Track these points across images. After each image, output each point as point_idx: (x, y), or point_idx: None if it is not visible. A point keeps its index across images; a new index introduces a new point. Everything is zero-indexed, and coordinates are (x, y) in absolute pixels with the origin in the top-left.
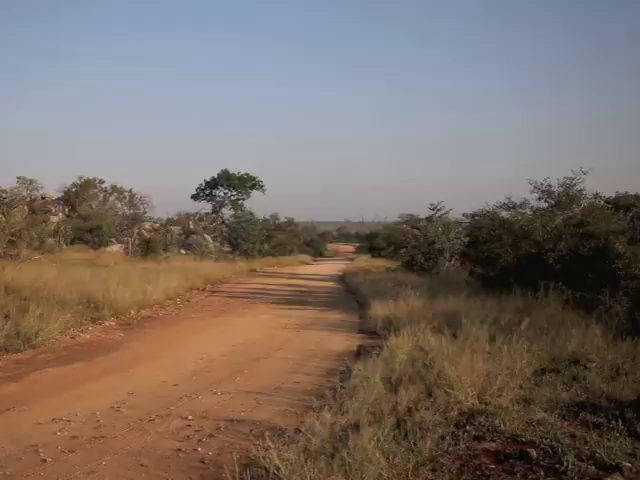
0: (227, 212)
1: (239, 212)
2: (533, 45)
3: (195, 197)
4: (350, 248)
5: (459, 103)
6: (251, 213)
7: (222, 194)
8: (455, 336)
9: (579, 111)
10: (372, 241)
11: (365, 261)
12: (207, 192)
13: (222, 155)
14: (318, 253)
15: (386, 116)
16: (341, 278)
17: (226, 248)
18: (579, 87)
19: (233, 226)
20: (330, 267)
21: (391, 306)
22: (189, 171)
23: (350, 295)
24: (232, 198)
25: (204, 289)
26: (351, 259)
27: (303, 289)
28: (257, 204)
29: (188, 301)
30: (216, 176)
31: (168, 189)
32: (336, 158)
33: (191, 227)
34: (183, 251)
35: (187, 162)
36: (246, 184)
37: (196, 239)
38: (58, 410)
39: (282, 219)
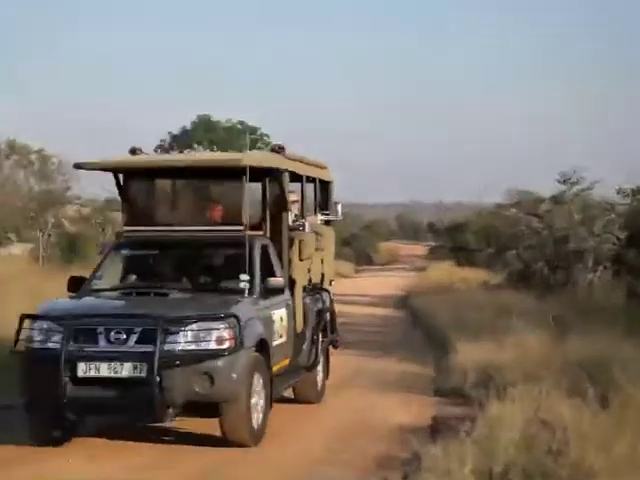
0: None
1: None
2: None
3: None
4: (419, 249)
5: None
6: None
7: None
8: (605, 403)
9: None
10: (457, 237)
11: (445, 271)
12: (173, 152)
13: (201, 94)
14: (364, 258)
15: None
16: (404, 301)
17: None
18: None
19: None
20: (385, 282)
21: (490, 349)
22: (143, 119)
23: (419, 329)
24: None
25: None
26: (421, 268)
27: (342, 319)
28: None
29: None
30: (189, 126)
31: (105, 149)
32: (392, 101)
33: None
34: None
35: (138, 103)
36: (240, 139)
37: None
38: None
39: None
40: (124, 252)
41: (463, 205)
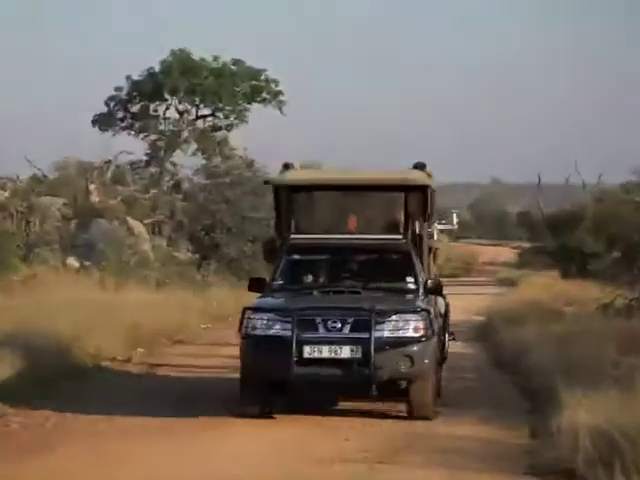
0: (187, 161)
1: (216, 162)
2: None
3: (103, 122)
4: (505, 252)
5: None
6: (249, 163)
7: (175, 113)
8: None
9: None
10: (563, 235)
11: (546, 286)
12: (135, 107)
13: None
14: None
15: None
16: (483, 331)
17: (183, 252)
18: None
19: (203, 196)
20: (455, 303)
21: (616, 405)
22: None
23: (506, 374)
24: (198, 125)
25: (126, 359)
26: (508, 281)
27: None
28: (264, 143)
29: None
30: (158, 67)
31: (32, 105)
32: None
33: (94, 199)
34: (73, 259)
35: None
36: (236, 86)
37: (106, 230)
38: None
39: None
40: (295, 257)
41: (567, 188)
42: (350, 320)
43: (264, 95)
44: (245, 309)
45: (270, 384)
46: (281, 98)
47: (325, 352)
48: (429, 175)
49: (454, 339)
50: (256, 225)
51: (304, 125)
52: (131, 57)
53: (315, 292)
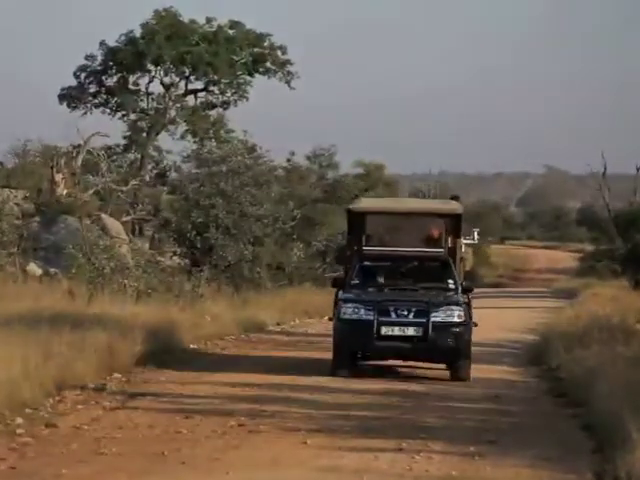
0: (174, 145)
1: (210, 147)
2: None
3: (72, 98)
4: (563, 258)
5: None
6: (250, 149)
7: (160, 88)
8: None
9: None
10: (632, 238)
11: (614, 299)
12: (111, 79)
13: None
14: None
15: None
16: (536, 353)
17: (169, 258)
18: None
19: (194, 188)
20: (502, 319)
21: None
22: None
23: (563, 404)
24: (188, 101)
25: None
26: (568, 292)
27: (418, 386)
28: (268, 123)
29: None
30: (139, 31)
31: None
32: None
33: (60, 191)
34: (36, 265)
35: None
36: (234, 55)
37: (76, 229)
38: None
39: (342, 169)
40: (366, 263)
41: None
42: (413, 309)
43: (268, 65)
44: (338, 300)
45: (356, 353)
46: (289, 69)
47: (396, 331)
48: (460, 204)
49: (476, 325)
50: (258, 223)
51: (317, 101)
52: (106, 18)
53: (386, 289)
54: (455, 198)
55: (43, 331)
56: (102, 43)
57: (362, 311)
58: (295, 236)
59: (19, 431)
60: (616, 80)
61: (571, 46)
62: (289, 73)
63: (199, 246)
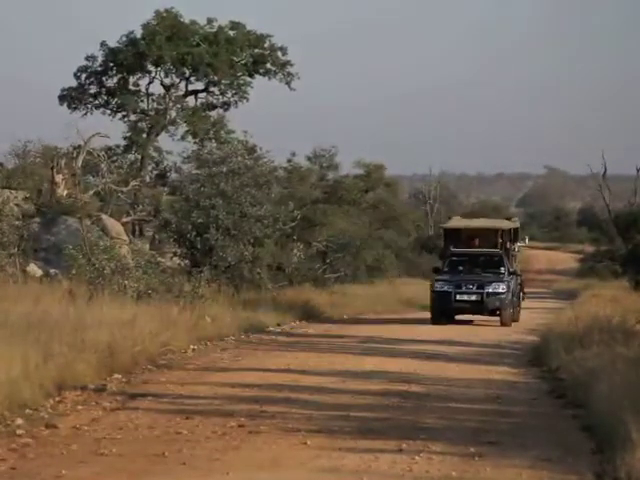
0: (175, 146)
1: (211, 148)
2: None
3: (72, 98)
4: (563, 258)
5: None
6: (250, 149)
7: (160, 88)
8: None
9: None
10: (633, 238)
11: (613, 301)
12: (111, 80)
13: None
14: None
15: None
16: (538, 353)
17: (169, 259)
18: None
19: (194, 189)
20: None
21: None
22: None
23: (563, 405)
24: (189, 102)
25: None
26: (568, 293)
27: (418, 388)
28: (268, 124)
29: None
30: (139, 32)
31: None
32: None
33: (61, 192)
34: (36, 266)
35: None
36: (234, 56)
37: (76, 230)
38: None
39: (342, 170)
40: (453, 258)
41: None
42: (476, 285)
43: (268, 66)
44: (434, 280)
45: (444, 310)
46: (289, 70)
47: (465, 297)
48: (515, 222)
49: (525, 294)
50: (258, 224)
51: (317, 101)
52: (106, 18)
53: (462, 274)
54: (509, 219)
55: (43, 331)
56: (102, 44)
57: (445, 286)
58: (295, 237)
59: (19, 432)
60: (616, 80)
61: (572, 46)
62: (289, 74)
63: (199, 247)
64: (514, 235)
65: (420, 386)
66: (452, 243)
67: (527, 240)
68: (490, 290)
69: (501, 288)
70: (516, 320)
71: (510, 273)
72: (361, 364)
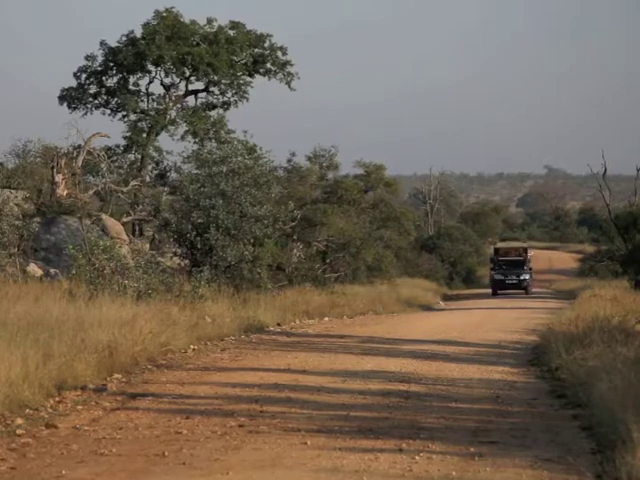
0: (175, 146)
1: (211, 148)
2: None
3: (72, 98)
4: (564, 258)
5: None
6: (250, 149)
7: (160, 88)
8: None
9: None
10: (633, 238)
11: (613, 300)
12: (111, 80)
13: None
14: (461, 275)
15: None
16: (538, 353)
17: (169, 259)
18: None
19: (194, 189)
20: (501, 320)
21: None
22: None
23: (563, 404)
24: (189, 102)
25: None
26: (567, 292)
27: (420, 388)
28: (268, 124)
29: None
30: (139, 32)
31: None
32: None
33: (61, 192)
34: (36, 265)
35: None
36: (234, 55)
37: (76, 230)
38: None
39: (342, 170)
40: (499, 262)
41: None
42: (514, 275)
43: (268, 66)
44: (492, 273)
45: (499, 288)
46: (289, 70)
47: (509, 281)
48: (525, 242)
49: (532, 278)
50: (258, 224)
51: (317, 101)
52: (106, 18)
53: (505, 270)
54: (527, 248)
55: (43, 331)
56: (102, 43)
57: (499, 275)
58: (295, 237)
59: (19, 432)
60: (617, 81)
61: (572, 46)
62: (289, 74)
63: (199, 247)
64: (526, 250)
65: (420, 386)
66: (498, 255)
67: (532, 252)
68: (522, 278)
69: (526, 276)
70: (531, 292)
71: (529, 269)
72: (361, 364)
